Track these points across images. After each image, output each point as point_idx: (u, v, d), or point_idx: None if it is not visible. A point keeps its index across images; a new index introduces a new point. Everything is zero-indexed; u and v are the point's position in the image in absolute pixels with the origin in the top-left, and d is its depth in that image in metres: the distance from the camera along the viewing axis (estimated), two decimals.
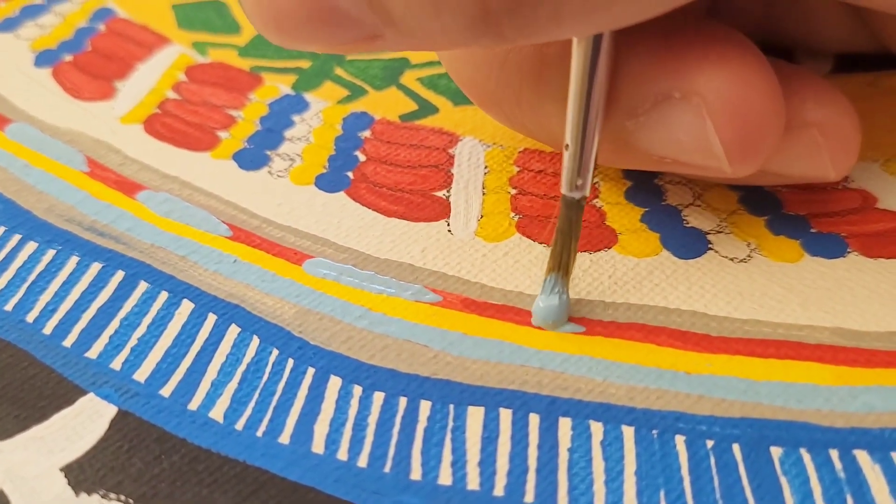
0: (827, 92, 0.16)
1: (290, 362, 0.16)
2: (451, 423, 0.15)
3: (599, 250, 0.18)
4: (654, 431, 0.15)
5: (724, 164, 0.15)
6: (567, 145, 0.15)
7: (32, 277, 0.18)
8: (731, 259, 0.18)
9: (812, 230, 0.18)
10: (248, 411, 0.15)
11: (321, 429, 0.15)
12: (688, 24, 0.15)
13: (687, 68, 0.15)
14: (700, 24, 0.15)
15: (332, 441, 0.15)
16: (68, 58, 0.24)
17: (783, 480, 0.14)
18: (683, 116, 0.15)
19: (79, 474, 0.14)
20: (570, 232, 0.16)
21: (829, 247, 0.18)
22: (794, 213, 0.18)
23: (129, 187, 0.20)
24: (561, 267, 0.16)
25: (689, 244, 0.18)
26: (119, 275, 0.18)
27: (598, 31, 0.14)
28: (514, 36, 0.13)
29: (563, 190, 0.16)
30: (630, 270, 0.17)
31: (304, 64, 0.24)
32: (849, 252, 0.18)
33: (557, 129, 0.16)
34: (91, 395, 0.16)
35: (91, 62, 0.24)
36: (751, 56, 0.15)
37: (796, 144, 0.16)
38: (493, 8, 0.12)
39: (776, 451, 0.14)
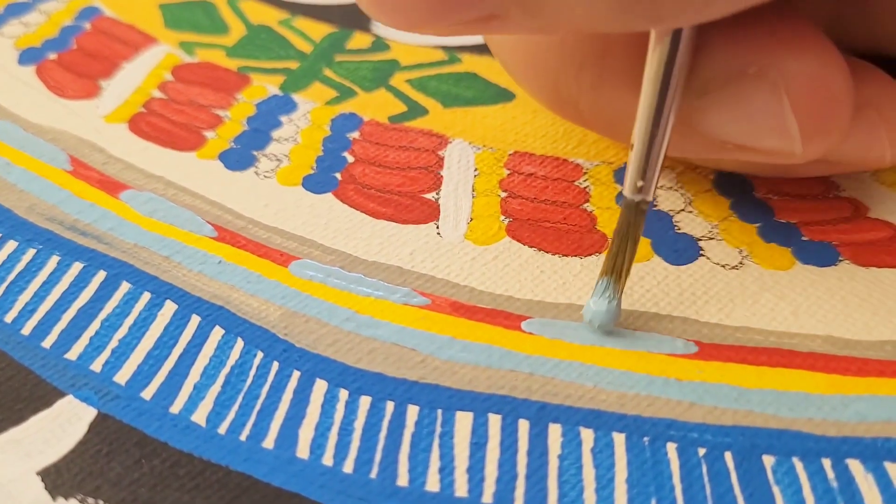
0: (878, 73, 0.16)
1: (275, 365, 0.16)
2: (438, 429, 0.15)
3: (590, 255, 0.18)
4: (646, 439, 0.14)
5: (797, 144, 0.15)
6: (632, 144, 0.15)
7: (12, 277, 0.17)
8: (723, 266, 0.17)
9: (804, 238, 0.18)
10: (232, 415, 0.15)
11: (306, 433, 0.15)
12: (763, 7, 0.14)
13: (765, 45, 0.14)
14: (774, 9, 0.15)
15: (318, 446, 0.14)
16: (53, 56, 0.24)
17: (776, 489, 0.14)
18: (758, 94, 0.14)
19: (56, 478, 0.14)
20: (627, 235, 0.16)
21: (820, 255, 0.18)
22: (786, 221, 0.18)
23: (112, 186, 0.19)
24: (615, 271, 0.16)
25: (681, 250, 0.18)
26: (101, 275, 0.17)
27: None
28: (668, 15, 0.12)
29: (625, 191, 0.15)
30: None
31: (293, 65, 0.23)
32: (840, 260, 0.17)
33: (616, 115, 0.15)
34: (70, 398, 0.15)
35: (76, 61, 0.24)
36: (824, 39, 0.14)
37: (856, 125, 0.15)
38: None
39: (768, 460, 0.14)
